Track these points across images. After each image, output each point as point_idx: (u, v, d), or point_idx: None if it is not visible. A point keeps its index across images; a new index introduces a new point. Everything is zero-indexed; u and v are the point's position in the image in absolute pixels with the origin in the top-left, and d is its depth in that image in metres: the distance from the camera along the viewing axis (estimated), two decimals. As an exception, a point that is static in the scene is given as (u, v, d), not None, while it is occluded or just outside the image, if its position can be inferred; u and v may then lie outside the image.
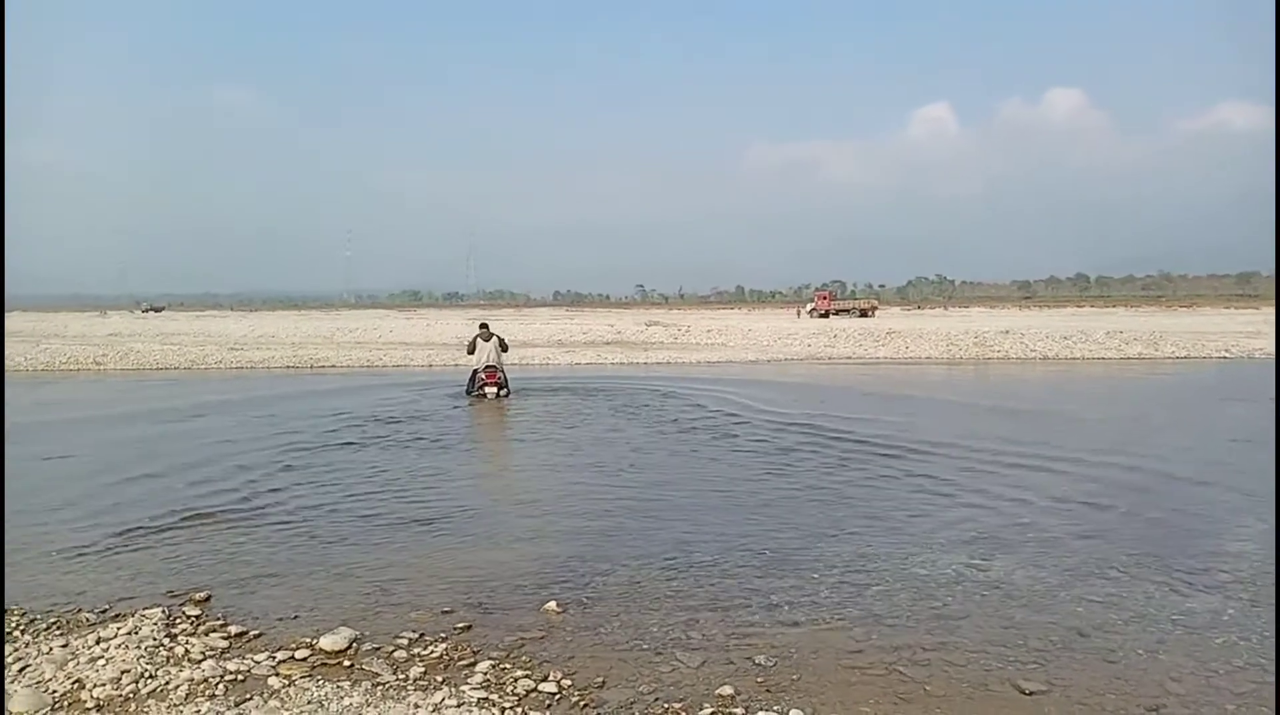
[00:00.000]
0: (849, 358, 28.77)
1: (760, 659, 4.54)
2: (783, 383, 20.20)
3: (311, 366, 26.50)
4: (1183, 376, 22.02)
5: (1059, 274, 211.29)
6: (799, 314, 72.10)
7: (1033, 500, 8.03)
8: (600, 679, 4.32)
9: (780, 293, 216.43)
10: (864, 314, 70.04)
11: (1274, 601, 5.13)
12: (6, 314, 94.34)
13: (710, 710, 3.96)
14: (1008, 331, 35.69)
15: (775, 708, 3.97)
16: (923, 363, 27.06)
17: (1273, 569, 5.84)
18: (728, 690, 4.16)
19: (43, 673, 4.25)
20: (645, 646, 4.74)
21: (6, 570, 6.09)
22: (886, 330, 39.18)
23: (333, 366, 26.42)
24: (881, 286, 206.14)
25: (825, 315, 68.98)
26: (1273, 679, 4.18)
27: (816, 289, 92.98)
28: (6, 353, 29.09)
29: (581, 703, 4.07)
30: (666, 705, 4.02)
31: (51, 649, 4.54)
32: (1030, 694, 4.13)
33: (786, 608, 5.29)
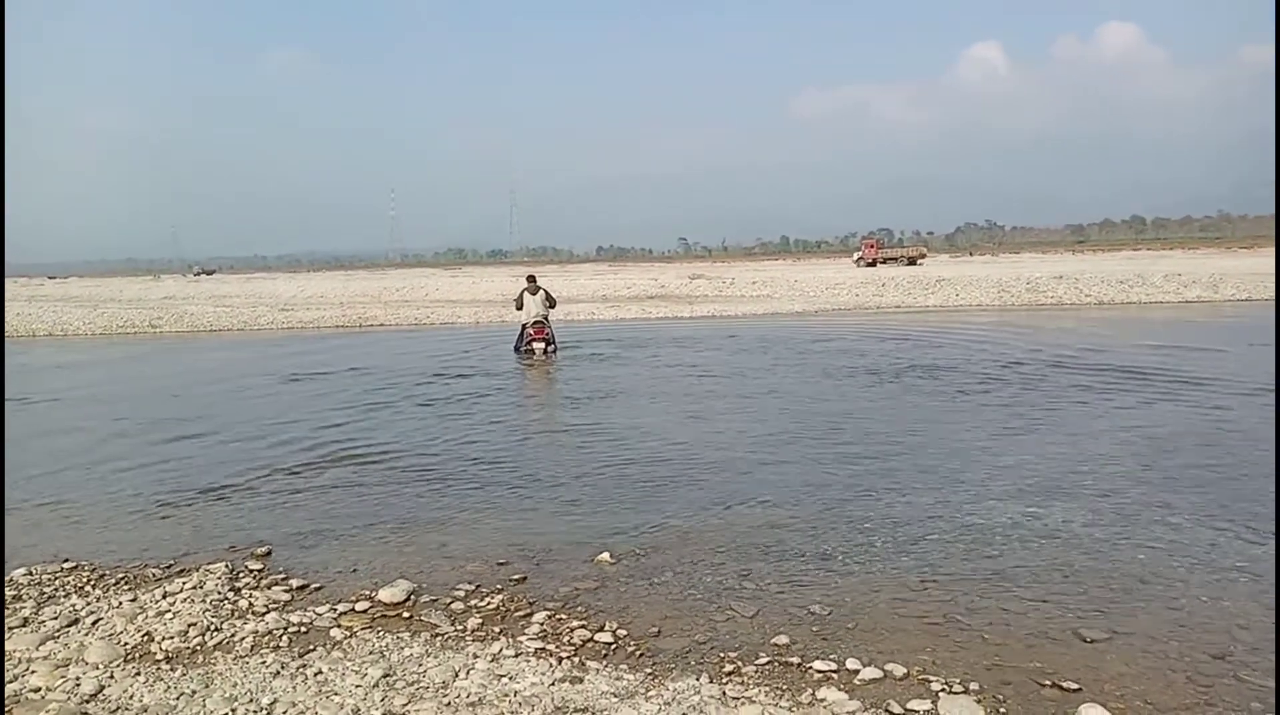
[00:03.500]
0: (898, 307, 28.41)
1: (815, 608, 4.52)
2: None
3: (360, 325, 26.83)
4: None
5: (1113, 217, 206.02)
6: (858, 263, 70.51)
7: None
8: (655, 629, 4.34)
9: (826, 242, 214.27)
10: (911, 262, 68.76)
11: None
12: (69, 278, 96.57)
13: (766, 659, 3.96)
14: (1061, 277, 34.91)
15: (831, 656, 3.96)
16: (973, 310, 26.62)
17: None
18: (783, 639, 4.16)
19: (114, 626, 4.37)
20: (699, 596, 4.75)
21: (75, 527, 6.29)
22: (935, 278, 38.55)
23: (381, 325, 26.72)
24: (930, 233, 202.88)
25: (872, 264, 67.90)
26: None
27: (863, 237, 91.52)
28: (67, 317, 29.82)
29: (638, 652, 4.09)
30: (723, 654, 4.02)
31: (121, 603, 4.67)
32: (1091, 641, 4.06)
33: (840, 557, 5.27)
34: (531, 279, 16.90)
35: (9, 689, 3.72)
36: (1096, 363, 13.38)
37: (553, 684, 3.73)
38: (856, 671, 3.81)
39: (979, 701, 3.50)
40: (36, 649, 4.12)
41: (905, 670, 3.80)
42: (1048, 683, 3.67)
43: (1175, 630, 4.17)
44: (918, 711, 3.46)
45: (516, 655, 4.04)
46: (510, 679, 3.78)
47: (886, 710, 3.46)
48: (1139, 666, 3.81)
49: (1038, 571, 4.96)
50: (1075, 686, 3.62)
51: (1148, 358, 13.84)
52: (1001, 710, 3.46)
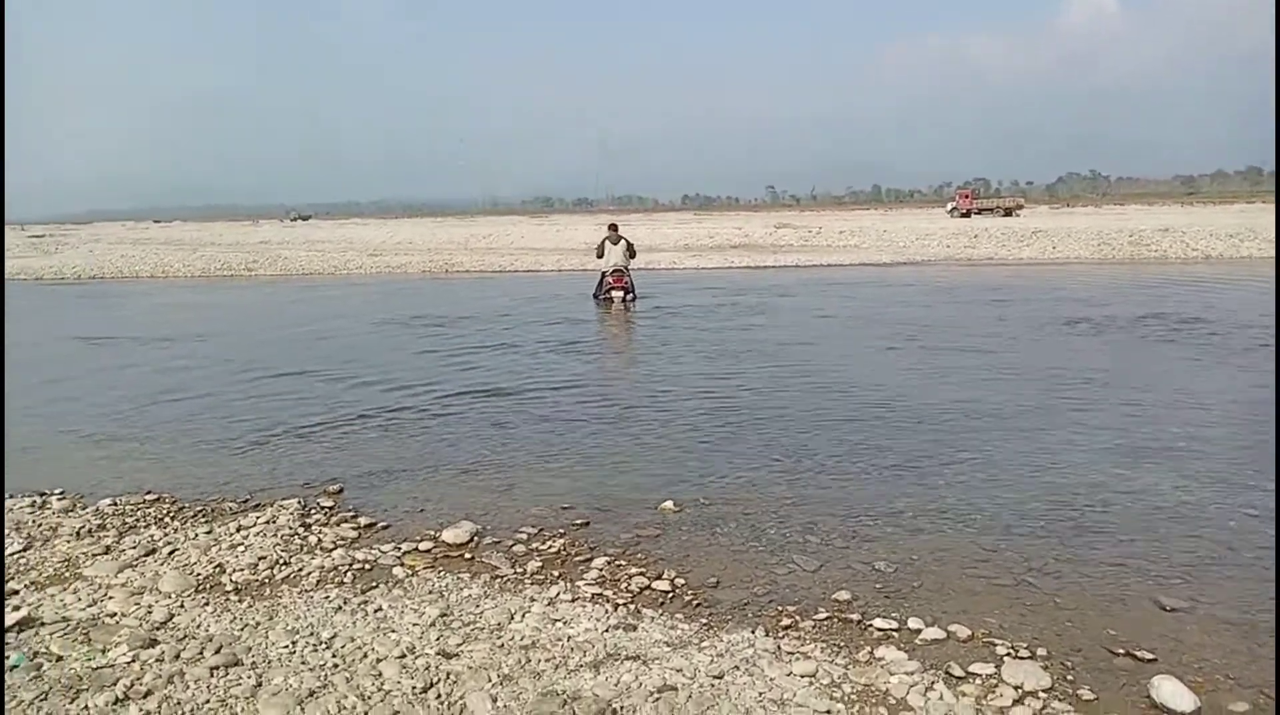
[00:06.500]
0: (990, 259, 27.50)
1: (880, 565, 4.41)
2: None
3: (446, 271, 27.18)
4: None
5: (1226, 168, 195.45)
6: (951, 213, 68.10)
7: None
8: (714, 579, 4.28)
9: (919, 192, 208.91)
10: (1008, 213, 66.41)
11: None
12: (172, 223, 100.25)
13: (825, 614, 3.87)
14: (1167, 230, 33.28)
15: (893, 615, 3.85)
16: (1071, 264, 25.60)
17: None
18: (844, 595, 4.06)
19: (189, 556, 4.51)
20: (761, 548, 4.68)
21: (162, 461, 6.52)
22: (1031, 229, 37.18)
23: (466, 271, 27.03)
24: (1029, 183, 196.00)
25: (966, 214, 65.81)
26: None
27: (958, 187, 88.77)
28: (168, 259, 30.94)
29: (695, 601, 4.04)
30: (780, 607, 3.95)
31: (197, 535, 4.82)
32: (1171, 610, 3.86)
33: (910, 514, 5.13)
34: (614, 228, 16.93)
35: (88, 612, 3.87)
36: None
37: (606, 630, 3.71)
38: (918, 631, 3.69)
39: (1045, 668, 3.36)
40: (115, 576, 4.28)
41: (970, 632, 3.67)
42: (1121, 651, 3.50)
43: (1264, 602, 3.93)
44: (980, 675, 3.33)
45: (573, 600, 4.03)
46: (565, 624, 3.78)
47: (947, 672, 3.35)
48: (1221, 638, 3.61)
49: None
50: (1150, 656, 3.44)
51: None
52: (1069, 678, 3.31)
